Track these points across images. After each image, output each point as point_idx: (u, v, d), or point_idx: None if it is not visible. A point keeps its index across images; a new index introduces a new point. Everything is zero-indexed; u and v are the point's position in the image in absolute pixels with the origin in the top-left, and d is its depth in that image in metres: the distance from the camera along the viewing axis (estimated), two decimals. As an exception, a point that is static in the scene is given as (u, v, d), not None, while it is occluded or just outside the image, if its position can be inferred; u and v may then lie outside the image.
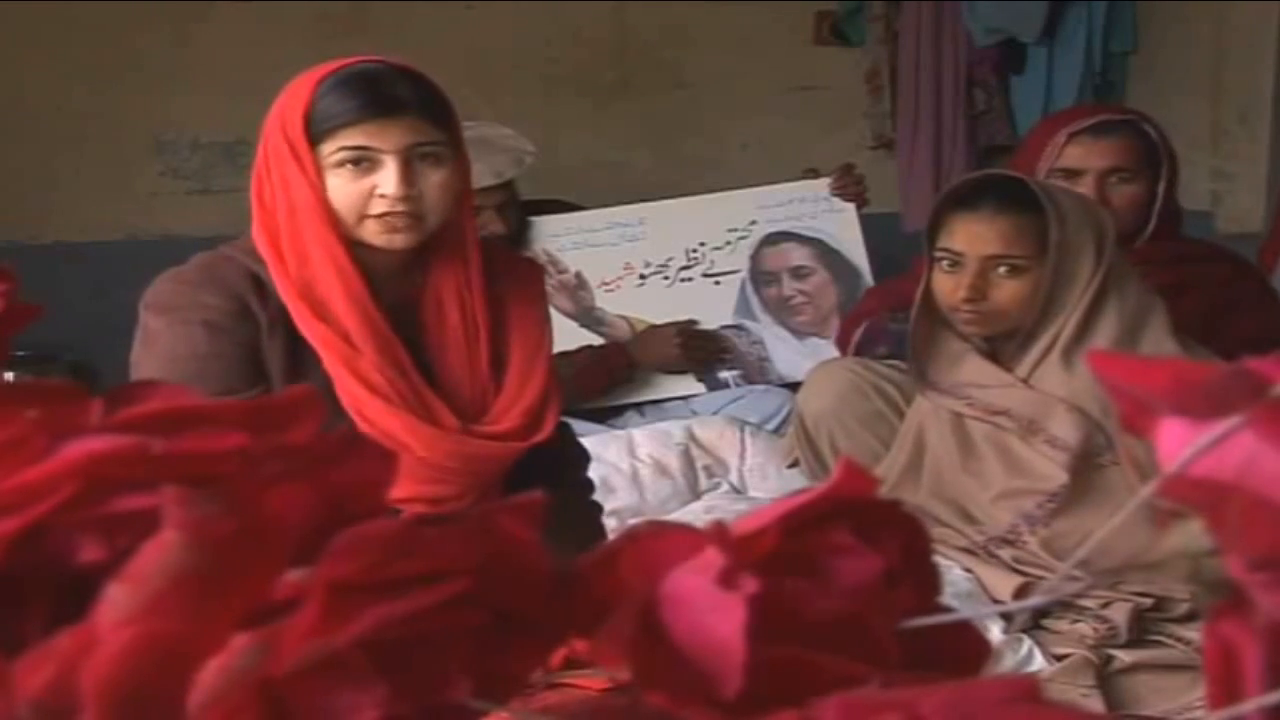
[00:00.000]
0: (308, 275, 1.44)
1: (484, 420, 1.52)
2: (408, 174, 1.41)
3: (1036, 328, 1.87)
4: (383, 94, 1.41)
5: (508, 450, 1.51)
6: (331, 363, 1.45)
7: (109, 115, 3.77)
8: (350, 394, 1.45)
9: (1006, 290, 1.84)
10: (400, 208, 1.41)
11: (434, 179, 1.43)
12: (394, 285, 1.50)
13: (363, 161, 1.41)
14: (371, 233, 1.43)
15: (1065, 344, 1.85)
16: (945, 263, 1.86)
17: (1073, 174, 2.21)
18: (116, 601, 0.30)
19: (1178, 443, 0.31)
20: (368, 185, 1.41)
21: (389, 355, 1.46)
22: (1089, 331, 1.85)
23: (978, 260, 1.83)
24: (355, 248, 1.45)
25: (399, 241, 1.44)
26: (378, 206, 1.42)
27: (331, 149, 1.41)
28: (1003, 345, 1.92)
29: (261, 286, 1.47)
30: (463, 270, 1.51)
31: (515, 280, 1.59)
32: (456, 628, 0.32)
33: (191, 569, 0.30)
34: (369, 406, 1.45)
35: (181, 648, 0.29)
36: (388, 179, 1.41)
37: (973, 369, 1.92)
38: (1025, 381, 1.87)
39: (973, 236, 1.83)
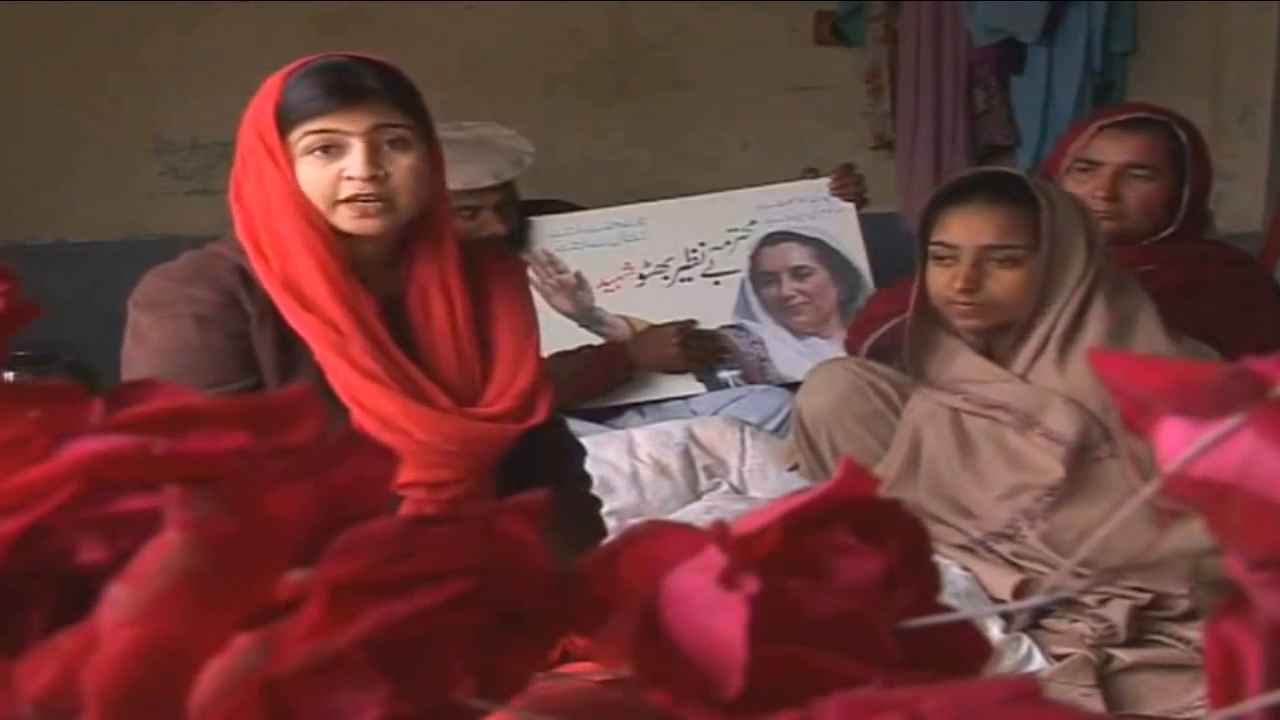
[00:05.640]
0: (289, 268, 1.46)
1: (477, 406, 1.53)
2: (374, 156, 1.44)
3: (1031, 321, 1.87)
4: (347, 81, 1.45)
5: (504, 432, 1.53)
6: (322, 351, 1.47)
7: (109, 115, 3.77)
8: (344, 381, 1.46)
9: (1001, 281, 1.85)
10: (368, 189, 1.44)
11: (402, 163, 1.46)
12: (380, 279, 1.52)
13: (331, 147, 1.44)
14: (344, 218, 1.45)
15: (1060, 339, 1.85)
16: (939, 256, 1.88)
17: (1092, 164, 2.19)
18: (118, 602, 0.30)
19: (1178, 442, 0.31)
20: (336, 170, 1.44)
21: (376, 341, 1.48)
22: (1082, 327, 1.85)
23: (973, 251, 1.85)
24: (336, 239, 1.47)
25: (371, 226, 1.46)
26: (346, 190, 1.44)
27: (300, 135, 1.44)
28: (998, 341, 1.93)
29: (249, 280, 1.48)
30: (442, 263, 1.53)
31: (497, 272, 1.61)
32: (458, 627, 0.32)
33: (193, 569, 0.30)
34: (363, 391, 1.46)
35: (183, 648, 0.29)
36: (354, 160, 1.43)
37: (968, 365, 1.93)
38: (1022, 377, 1.88)
39: (967, 228, 1.86)
